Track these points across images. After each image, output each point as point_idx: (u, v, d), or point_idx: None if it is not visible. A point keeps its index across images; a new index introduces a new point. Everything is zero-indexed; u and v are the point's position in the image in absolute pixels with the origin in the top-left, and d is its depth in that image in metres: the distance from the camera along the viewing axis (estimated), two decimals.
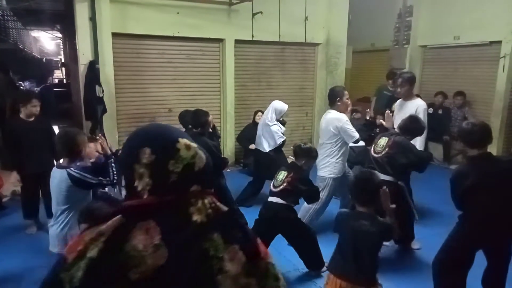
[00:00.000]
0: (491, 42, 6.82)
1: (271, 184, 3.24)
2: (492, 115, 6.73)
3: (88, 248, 0.80)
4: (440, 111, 6.99)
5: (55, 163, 2.97)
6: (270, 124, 4.53)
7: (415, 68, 8.06)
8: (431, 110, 6.94)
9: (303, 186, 3.14)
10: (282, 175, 3.18)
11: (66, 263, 0.81)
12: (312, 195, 3.25)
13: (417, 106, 4.16)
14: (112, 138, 5.49)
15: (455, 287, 2.66)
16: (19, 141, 3.88)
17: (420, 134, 3.70)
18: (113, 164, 2.68)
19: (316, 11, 7.06)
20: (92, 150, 3.09)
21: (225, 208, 0.90)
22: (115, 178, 2.61)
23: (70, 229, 2.46)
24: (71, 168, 2.44)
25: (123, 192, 2.69)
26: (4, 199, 4.91)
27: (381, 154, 3.47)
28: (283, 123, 4.74)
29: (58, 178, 2.46)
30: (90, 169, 2.52)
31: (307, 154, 3.28)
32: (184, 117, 4.41)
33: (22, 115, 3.97)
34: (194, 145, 0.91)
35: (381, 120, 4.20)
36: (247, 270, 0.84)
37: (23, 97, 4.15)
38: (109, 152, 2.75)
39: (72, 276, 0.79)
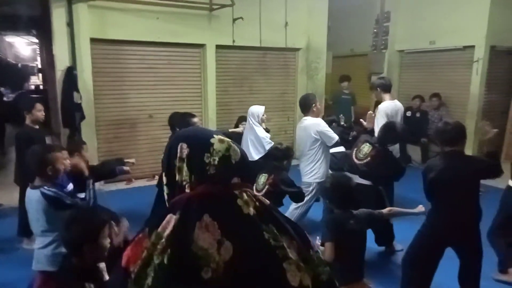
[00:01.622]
0: (465, 47, 7.05)
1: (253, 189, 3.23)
2: (467, 117, 6.93)
3: (152, 254, 0.81)
4: (417, 114, 7.16)
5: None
6: (256, 127, 4.50)
7: (393, 72, 8.25)
8: (409, 113, 7.12)
9: (285, 187, 3.16)
10: (263, 178, 3.20)
11: (129, 273, 0.81)
12: (297, 194, 3.29)
13: (378, 109, 4.26)
14: (91, 145, 5.36)
15: (419, 281, 2.72)
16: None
17: (397, 141, 3.77)
18: (91, 186, 2.59)
19: (296, 17, 7.14)
20: (77, 161, 2.97)
21: (267, 201, 0.93)
22: (92, 200, 2.51)
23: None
24: (45, 187, 2.31)
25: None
26: None
27: (362, 162, 3.51)
28: (267, 131, 4.73)
29: (34, 199, 2.32)
30: (62, 189, 2.42)
31: (287, 154, 3.33)
32: (173, 118, 4.36)
33: (28, 122, 3.82)
34: (227, 139, 0.95)
35: (362, 120, 4.25)
36: (302, 257, 0.88)
37: (26, 103, 3.98)
38: (86, 173, 2.67)
39: (140, 285, 0.80)
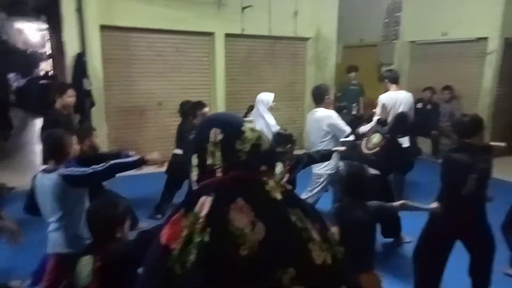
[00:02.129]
0: (478, 39, 6.92)
1: None
2: (478, 111, 6.81)
3: (193, 232, 0.86)
4: (428, 106, 7.08)
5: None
6: (266, 115, 4.48)
7: (404, 64, 8.15)
8: (420, 105, 7.05)
9: (304, 164, 3.24)
10: (279, 166, 3.19)
11: (170, 250, 0.86)
12: (324, 155, 3.43)
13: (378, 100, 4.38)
14: (101, 131, 5.40)
15: (429, 273, 2.74)
16: None
17: (408, 132, 3.76)
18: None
19: (306, 5, 7.06)
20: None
21: (289, 186, 1.00)
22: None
23: (76, 229, 2.37)
24: (61, 169, 2.31)
25: None
26: None
27: (371, 151, 3.51)
28: None
29: (49, 184, 2.31)
30: (78, 164, 2.44)
31: (288, 139, 3.33)
32: (184, 106, 4.39)
33: (57, 107, 3.82)
34: (258, 129, 1.01)
35: (374, 110, 4.24)
36: (323, 237, 0.94)
37: (58, 87, 3.97)
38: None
39: (183, 260, 0.84)
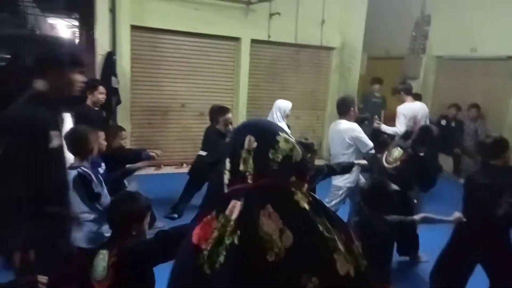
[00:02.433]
0: (508, 57, 6.76)
1: None
2: (504, 131, 6.67)
3: (223, 235, 0.89)
4: (453, 124, 6.94)
5: None
6: (278, 122, 4.50)
7: (429, 78, 8.03)
8: (444, 122, 6.92)
9: (324, 175, 3.22)
10: None
11: (201, 251, 0.89)
12: (346, 167, 3.41)
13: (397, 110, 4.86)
14: (125, 129, 5.53)
15: None
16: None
17: (432, 145, 3.70)
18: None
19: (333, 14, 7.05)
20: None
21: (317, 197, 1.01)
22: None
23: (101, 225, 2.43)
24: (81, 167, 2.40)
25: None
26: None
27: (391, 166, 3.47)
28: (287, 127, 4.69)
29: (71, 180, 2.38)
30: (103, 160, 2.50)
31: (311, 148, 3.31)
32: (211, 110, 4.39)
33: (88, 102, 3.87)
34: (292, 139, 1.01)
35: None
36: (348, 249, 0.95)
37: (90, 84, 3.97)
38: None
39: (213, 261, 0.87)
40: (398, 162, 3.45)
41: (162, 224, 4.10)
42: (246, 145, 0.98)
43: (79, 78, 1.97)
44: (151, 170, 6.12)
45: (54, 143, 1.93)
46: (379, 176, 2.71)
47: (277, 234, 0.88)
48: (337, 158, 3.89)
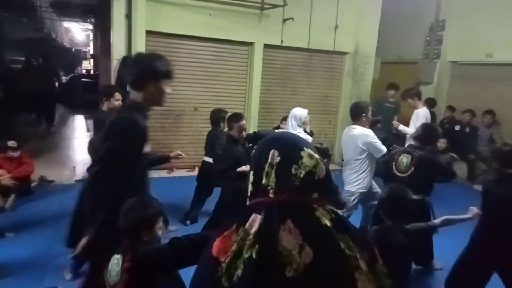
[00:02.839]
0: None
1: None
2: None
3: (242, 248, 0.89)
4: (467, 129, 6.86)
5: None
6: (295, 131, 4.53)
7: (443, 84, 7.96)
8: (458, 128, 6.86)
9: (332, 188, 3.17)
10: None
11: (220, 263, 0.90)
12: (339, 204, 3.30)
13: (417, 114, 5.30)
14: None
15: None
16: None
17: (436, 140, 3.68)
18: None
19: (346, 20, 7.05)
20: None
21: (340, 214, 0.99)
22: None
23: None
24: None
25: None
26: (33, 184, 5.08)
27: (406, 174, 3.42)
28: (311, 134, 4.68)
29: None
30: None
31: (326, 154, 3.31)
32: (216, 114, 4.42)
33: (104, 108, 3.90)
34: (316, 156, 1.00)
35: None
36: (371, 268, 0.93)
37: (106, 90, 4.01)
38: None
39: (231, 274, 0.88)
40: (412, 168, 3.40)
41: (175, 227, 4.15)
42: (269, 159, 0.97)
43: (169, 90, 2.16)
44: (164, 173, 6.18)
45: (146, 148, 2.11)
46: (398, 185, 2.66)
47: (297, 250, 0.88)
48: (350, 163, 3.88)
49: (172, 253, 1.72)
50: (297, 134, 4.37)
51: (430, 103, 7.29)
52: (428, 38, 8.14)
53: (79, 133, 9.48)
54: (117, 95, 3.89)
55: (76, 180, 5.51)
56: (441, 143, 5.82)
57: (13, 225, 4.00)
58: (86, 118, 10.89)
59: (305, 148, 1.00)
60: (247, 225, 0.92)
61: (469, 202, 2.74)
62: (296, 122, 4.47)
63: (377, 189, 4.04)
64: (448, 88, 8.01)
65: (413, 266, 3.57)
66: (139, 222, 1.84)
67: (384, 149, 3.75)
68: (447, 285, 2.77)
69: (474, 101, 7.27)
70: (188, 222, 4.35)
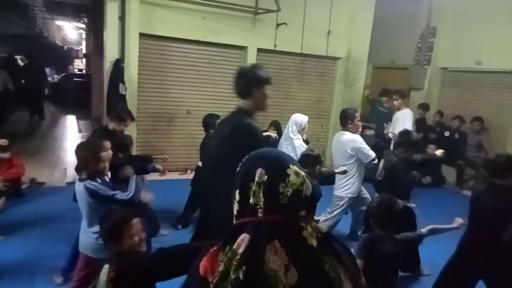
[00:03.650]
0: None
1: None
2: (508, 143, 6.69)
3: (229, 268, 0.89)
4: (456, 135, 6.98)
5: None
6: (294, 137, 4.50)
7: (433, 90, 8.07)
8: (447, 134, 6.97)
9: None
10: None
11: (208, 283, 0.90)
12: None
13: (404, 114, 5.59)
14: (131, 135, 5.59)
15: None
16: None
17: (416, 147, 3.66)
18: (133, 180, 2.72)
19: (339, 25, 7.12)
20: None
21: (325, 230, 1.00)
22: (134, 192, 2.63)
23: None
24: (88, 181, 2.45)
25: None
26: (23, 186, 5.05)
27: (381, 178, 3.50)
28: (306, 142, 4.71)
29: (79, 192, 2.48)
30: (107, 183, 2.53)
31: (317, 160, 3.35)
32: (207, 119, 4.42)
33: (110, 127, 3.82)
34: (302, 173, 1.00)
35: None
36: (356, 285, 0.95)
37: (121, 115, 3.84)
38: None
39: None
40: (383, 171, 3.47)
41: (166, 231, 4.15)
42: (256, 178, 0.97)
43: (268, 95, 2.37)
44: (156, 176, 6.16)
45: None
46: (387, 195, 2.70)
47: (283, 271, 0.88)
48: (339, 168, 3.94)
49: (158, 263, 1.70)
50: (296, 140, 4.44)
51: (424, 108, 7.40)
52: (419, 45, 8.27)
53: (70, 133, 9.41)
54: (128, 122, 3.81)
55: (67, 182, 5.48)
56: (431, 149, 5.91)
57: (3, 227, 3.97)
58: (78, 118, 10.83)
59: (290, 166, 0.99)
60: (235, 245, 0.92)
61: (457, 207, 2.80)
62: (296, 128, 4.49)
63: (366, 194, 4.11)
64: (438, 94, 8.13)
65: (401, 273, 3.65)
66: (109, 231, 1.89)
67: (372, 154, 3.81)
68: None
69: (464, 107, 7.39)
70: (180, 226, 4.34)
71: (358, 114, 4.06)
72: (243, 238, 0.92)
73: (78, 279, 2.51)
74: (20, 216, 4.36)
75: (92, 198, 2.43)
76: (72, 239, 2.96)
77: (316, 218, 3.76)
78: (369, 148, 3.87)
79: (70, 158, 6.80)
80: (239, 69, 2.48)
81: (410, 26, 8.42)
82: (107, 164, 2.60)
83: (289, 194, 0.96)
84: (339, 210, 3.97)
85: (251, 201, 0.97)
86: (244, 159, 1.07)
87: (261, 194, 0.96)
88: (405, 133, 3.68)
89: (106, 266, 1.80)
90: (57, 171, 6.15)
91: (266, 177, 0.97)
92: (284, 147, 4.52)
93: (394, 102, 5.79)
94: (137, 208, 3.70)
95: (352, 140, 3.84)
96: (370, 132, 6.64)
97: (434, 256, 3.37)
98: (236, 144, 2.14)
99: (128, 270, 1.74)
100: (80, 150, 2.58)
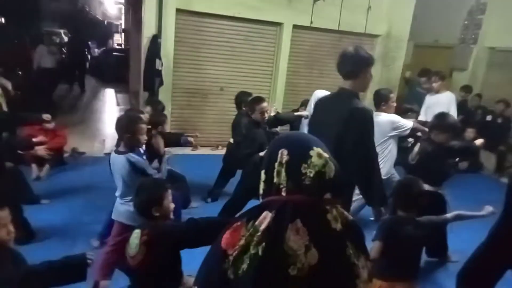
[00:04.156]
0: None
1: None
2: None
3: (249, 244, 0.93)
4: (499, 120, 6.61)
5: None
6: None
7: (479, 71, 7.63)
8: (489, 118, 6.62)
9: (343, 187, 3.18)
10: None
11: (228, 256, 0.95)
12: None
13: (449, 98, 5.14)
14: (166, 110, 5.73)
15: None
16: None
17: (454, 130, 3.50)
18: (165, 160, 2.91)
19: (380, 0, 6.81)
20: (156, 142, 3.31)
21: (351, 218, 1.02)
22: (164, 172, 2.81)
23: None
24: (130, 154, 2.55)
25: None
26: (65, 155, 5.36)
27: (414, 162, 3.41)
28: None
29: (118, 163, 2.58)
30: (142, 156, 2.66)
31: None
32: (241, 97, 4.44)
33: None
34: (326, 155, 1.01)
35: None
36: (370, 276, 0.98)
37: (158, 119, 3.76)
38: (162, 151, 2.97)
39: (237, 268, 0.93)
40: (417, 157, 3.37)
41: (196, 204, 4.30)
42: (279, 158, 0.99)
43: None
44: (188, 151, 6.34)
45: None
46: (411, 176, 2.65)
47: (302, 250, 0.90)
48: None
49: (188, 231, 1.86)
50: None
51: (467, 90, 7.04)
52: (466, 22, 7.78)
53: (109, 107, 9.78)
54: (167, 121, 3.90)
55: (105, 153, 5.75)
56: (469, 133, 5.67)
57: (48, 192, 4.27)
58: (116, 92, 11.20)
59: (314, 147, 1.00)
60: (257, 222, 0.94)
61: (494, 195, 2.70)
62: None
63: (396, 177, 4.03)
64: (483, 76, 7.67)
65: (428, 258, 3.61)
66: (147, 200, 1.98)
67: (409, 123, 3.80)
68: (459, 278, 2.78)
69: (510, 91, 6.95)
70: (209, 200, 4.48)
71: (393, 96, 3.95)
72: (266, 216, 0.95)
73: (113, 244, 2.68)
74: (63, 183, 4.66)
75: (134, 170, 2.55)
76: (109, 207, 3.15)
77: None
78: (405, 120, 3.83)
79: (108, 130, 7.12)
80: (344, 51, 2.47)
81: (457, 2, 7.92)
82: (145, 137, 2.71)
83: (311, 175, 0.97)
84: None
85: (275, 180, 0.99)
86: (271, 142, 1.10)
87: (284, 174, 0.99)
88: (441, 115, 3.54)
89: (137, 231, 1.91)
90: (97, 142, 6.46)
91: (288, 157, 0.99)
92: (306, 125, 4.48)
93: (433, 84, 5.46)
94: (174, 181, 3.90)
95: (390, 121, 3.76)
96: (412, 116, 6.38)
97: (463, 243, 3.28)
98: (359, 131, 2.28)
99: (160, 235, 1.88)
100: (121, 122, 2.68)
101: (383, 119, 3.80)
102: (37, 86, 7.79)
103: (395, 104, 3.99)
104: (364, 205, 4.03)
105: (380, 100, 3.86)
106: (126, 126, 2.61)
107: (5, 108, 4.42)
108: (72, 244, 3.38)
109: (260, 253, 0.91)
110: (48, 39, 7.99)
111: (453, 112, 4.86)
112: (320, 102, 2.74)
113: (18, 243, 2.94)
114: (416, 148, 3.44)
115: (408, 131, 3.80)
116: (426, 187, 3.20)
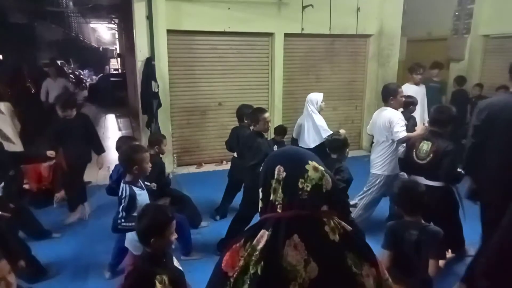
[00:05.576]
0: None
1: None
2: None
3: (249, 264, 0.93)
4: None
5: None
6: (314, 114, 4.42)
7: (476, 59, 7.59)
8: None
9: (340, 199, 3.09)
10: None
11: (229, 277, 0.95)
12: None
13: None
14: (166, 130, 5.75)
15: None
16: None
17: (452, 122, 3.45)
18: None
19: (369, 0, 6.83)
20: None
21: (350, 228, 1.00)
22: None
23: None
24: (130, 185, 2.58)
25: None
26: None
27: (425, 161, 3.34)
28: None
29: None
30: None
31: (345, 144, 3.27)
32: (241, 110, 4.43)
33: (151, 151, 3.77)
34: (321, 168, 1.01)
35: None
36: (377, 285, 0.95)
37: (157, 138, 3.91)
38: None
39: None
40: (431, 155, 3.30)
41: (206, 223, 4.27)
42: (276, 175, 0.99)
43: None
44: (193, 169, 6.33)
45: None
46: (409, 179, 2.60)
47: (302, 265, 0.90)
48: (378, 145, 3.87)
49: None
50: (316, 118, 4.35)
51: (459, 81, 6.98)
52: (457, 12, 7.76)
53: (111, 132, 9.82)
54: (165, 142, 3.86)
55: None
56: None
57: (58, 226, 4.26)
58: (117, 116, 11.26)
59: (309, 161, 1.00)
60: (254, 241, 0.94)
61: None
62: (314, 107, 4.43)
63: (405, 175, 3.98)
64: (480, 64, 7.63)
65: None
66: (148, 229, 1.88)
67: (400, 135, 3.67)
68: (480, 274, 2.70)
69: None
70: (218, 217, 4.44)
71: (401, 90, 3.92)
72: (262, 235, 0.95)
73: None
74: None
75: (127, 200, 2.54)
76: (116, 235, 3.12)
77: (352, 202, 3.71)
78: (403, 128, 3.72)
79: (113, 157, 7.11)
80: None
81: None
82: (150, 164, 2.71)
83: (308, 189, 0.97)
84: (375, 188, 3.88)
85: (271, 197, 1.00)
86: (266, 159, 1.09)
87: (280, 191, 0.98)
88: (440, 108, 3.50)
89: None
90: (100, 170, 6.43)
91: (284, 173, 0.99)
92: (305, 127, 4.43)
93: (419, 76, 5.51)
94: (178, 202, 3.85)
95: (388, 116, 3.74)
96: (413, 109, 6.28)
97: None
98: None
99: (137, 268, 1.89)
100: (126, 154, 2.66)
101: (388, 113, 3.78)
102: (45, 120, 7.78)
103: (403, 99, 3.95)
104: (374, 202, 3.97)
105: (388, 95, 3.84)
106: (132, 158, 2.60)
107: (18, 143, 4.49)
108: (84, 277, 3.35)
109: (259, 272, 0.91)
110: (53, 72, 7.72)
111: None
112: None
113: (31, 282, 2.95)
114: (429, 145, 3.36)
115: (395, 139, 3.71)
116: (431, 182, 3.18)
